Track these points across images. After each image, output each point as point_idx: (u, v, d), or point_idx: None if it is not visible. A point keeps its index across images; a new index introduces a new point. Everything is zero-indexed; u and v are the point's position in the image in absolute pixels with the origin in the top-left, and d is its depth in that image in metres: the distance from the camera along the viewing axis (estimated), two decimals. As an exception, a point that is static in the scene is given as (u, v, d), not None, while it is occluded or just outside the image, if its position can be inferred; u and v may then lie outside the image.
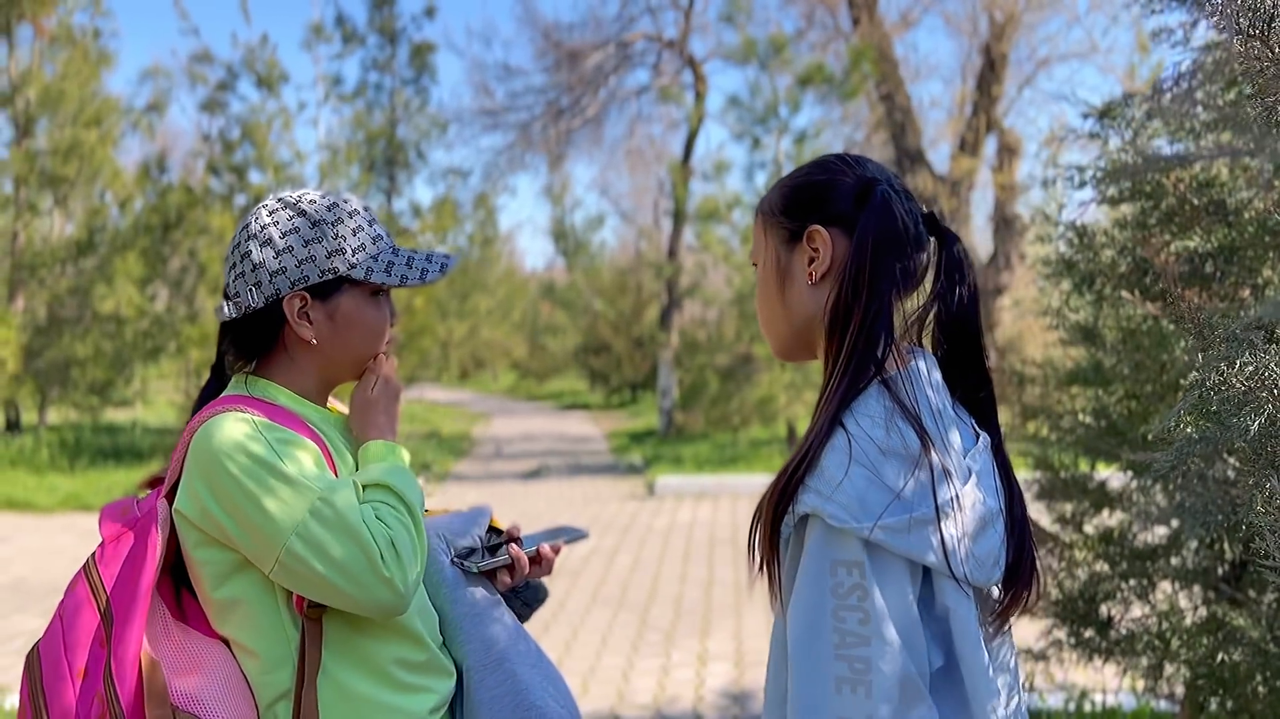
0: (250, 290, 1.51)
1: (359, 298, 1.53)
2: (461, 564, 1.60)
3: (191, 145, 17.36)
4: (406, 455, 1.54)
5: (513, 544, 1.63)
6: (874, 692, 1.14)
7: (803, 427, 13.19)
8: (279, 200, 1.54)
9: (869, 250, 1.28)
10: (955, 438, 1.25)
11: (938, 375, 1.31)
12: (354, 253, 1.51)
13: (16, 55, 14.59)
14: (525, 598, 1.77)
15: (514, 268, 34.75)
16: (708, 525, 9.37)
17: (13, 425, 14.92)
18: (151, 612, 1.46)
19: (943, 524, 1.17)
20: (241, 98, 15.28)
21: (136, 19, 70.62)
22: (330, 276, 1.50)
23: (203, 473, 1.41)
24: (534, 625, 5.98)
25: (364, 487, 1.46)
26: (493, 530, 1.72)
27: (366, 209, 1.58)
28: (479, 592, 1.61)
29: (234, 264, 1.53)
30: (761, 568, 1.28)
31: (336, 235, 1.51)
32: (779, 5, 19.89)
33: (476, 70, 29.55)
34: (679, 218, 18.18)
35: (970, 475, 1.23)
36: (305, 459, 1.41)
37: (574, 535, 1.73)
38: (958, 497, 1.19)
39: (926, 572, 1.20)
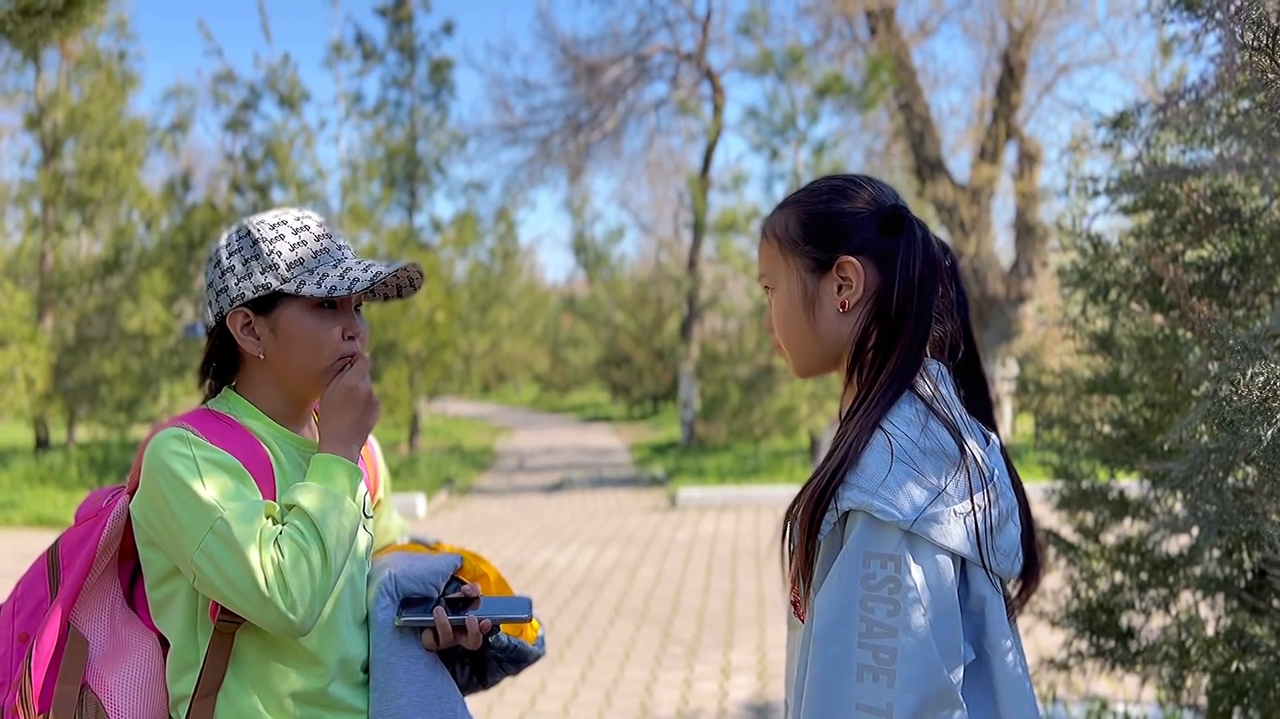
0: (207, 311, 1.61)
1: (299, 311, 1.56)
2: (395, 614, 1.60)
3: (215, 164, 17.53)
4: (350, 477, 1.54)
5: (439, 608, 1.61)
6: (897, 682, 1.15)
7: (825, 437, 13.16)
8: (239, 224, 1.63)
9: (915, 280, 1.33)
10: (979, 438, 1.33)
11: (950, 383, 1.37)
12: (288, 267, 1.56)
13: (44, 79, 14.82)
14: (500, 654, 1.72)
15: (535, 281, 34.84)
16: (730, 537, 9.37)
17: (42, 443, 15.10)
18: (104, 594, 1.55)
19: (977, 517, 1.23)
20: (264, 116, 15.39)
21: (160, 40, 71.50)
22: (264, 292, 1.55)
23: (144, 481, 1.50)
24: (557, 638, 6.01)
25: (288, 506, 1.50)
26: (457, 581, 1.70)
27: (322, 224, 1.62)
28: (404, 642, 1.60)
29: (204, 288, 1.63)
30: (797, 572, 1.31)
31: (272, 251, 1.56)
32: (796, 16, 19.91)
33: (495, 86, 29.72)
34: (698, 230, 18.21)
35: (994, 472, 1.30)
36: (224, 479, 1.47)
37: (519, 616, 1.66)
38: (988, 491, 1.26)
39: (960, 566, 1.26)
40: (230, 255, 1.58)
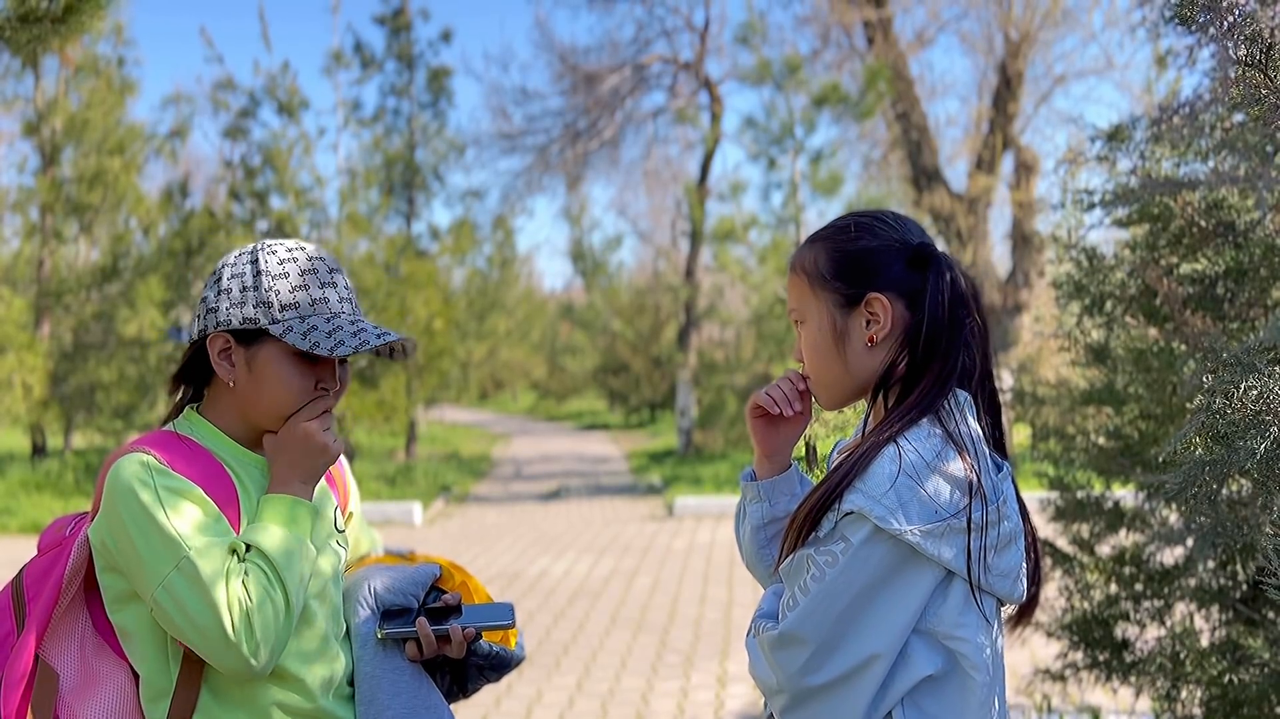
0: (196, 322, 1.59)
1: (279, 353, 1.54)
2: (378, 627, 1.60)
3: (214, 171, 17.54)
4: (308, 517, 1.53)
5: (421, 618, 1.61)
6: (782, 621, 1.34)
7: (823, 446, 13.17)
8: (253, 246, 1.60)
9: (946, 318, 1.39)
10: (988, 464, 1.38)
11: (972, 412, 1.42)
12: (281, 309, 1.53)
13: (42, 85, 14.83)
14: (482, 661, 1.72)
15: (533, 289, 34.82)
16: (727, 546, 9.36)
17: (39, 450, 15.07)
18: (72, 624, 1.53)
19: (972, 535, 1.29)
20: (263, 124, 15.39)
21: (159, 46, 71.57)
22: (250, 326, 1.53)
23: (105, 507, 1.47)
24: (553, 646, 6.00)
25: (248, 545, 1.48)
26: (437, 590, 1.70)
27: (333, 271, 1.59)
28: (387, 654, 1.60)
29: (200, 298, 1.61)
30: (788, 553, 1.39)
31: (271, 288, 1.54)
32: (794, 26, 20.00)
33: (494, 94, 29.82)
34: (696, 238, 18.24)
35: (1001, 495, 1.35)
36: (189, 510, 1.45)
37: (502, 622, 1.65)
38: (987, 513, 1.31)
39: (953, 584, 1.32)
40: (231, 278, 1.56)
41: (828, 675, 1.30)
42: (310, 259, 1.58)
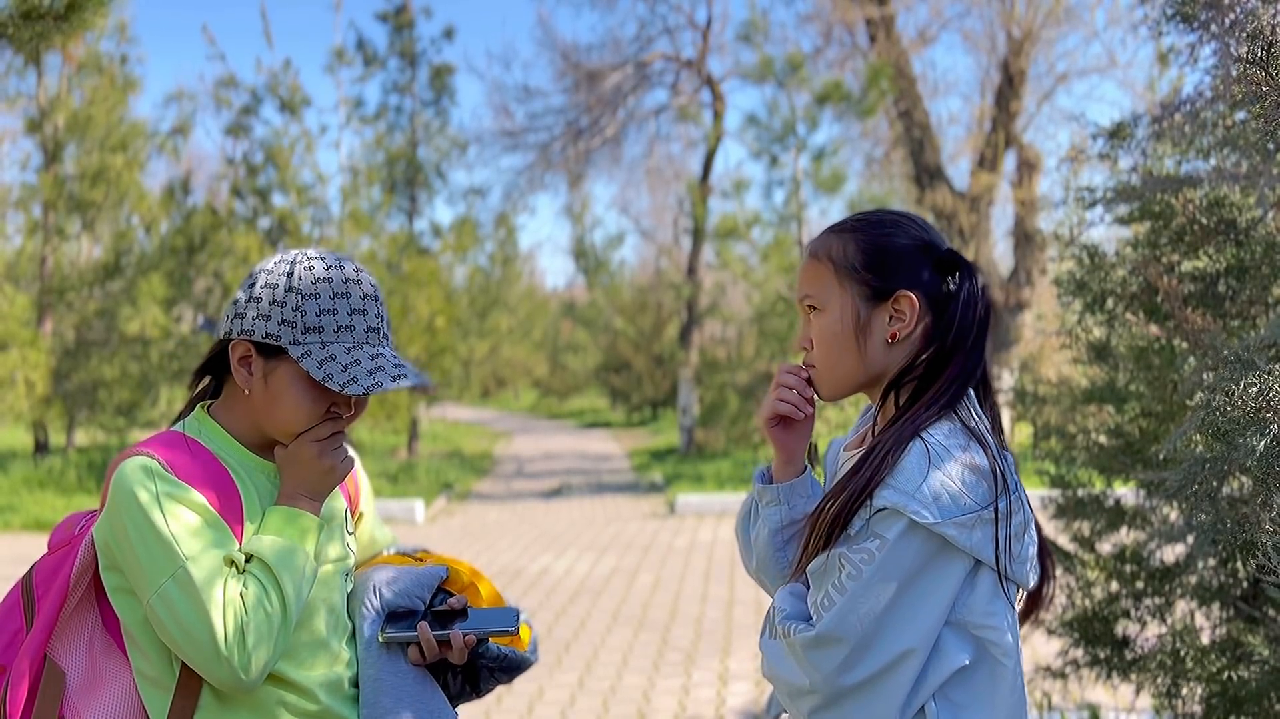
0: (225, 320, 1.58)
1: (296, 374, 1.52)
2: (380, 630, 1.60)
3: (216, 168, 17.53)
4: (313, 530, 1.53)
5: (423, 623, 1.60)
6: (818, 622, 1.33)
7: (823, 444, 13.17)
8: (294, 255, 1.57)
9: (974, 323, 1.41)
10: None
11: (977, 407, 1.44)
12: (305, 332, 1.51)
13: (45, 83, 14.84)
14: (492, 664, 1.71)
15: (535, 287, 34.85)
16: (729, 544, 9.37)
17: (41, 447, 15.09)
18: (81, 624, 1.52)
19: (999, 525, 1.32)
20: (265, 121, 15.39)
21: (161, 41, 71.56)
22: (272, 342, 1.52)
23: (109, 509, 1.47)
24: (555, 644, 6.01)
25: (249, 556, 1.48)
26: (444, 592, 1.69)
27: (367, 297, 1.56)
28: (391, 656, 1.59)
29: (234, 296, 1.60)
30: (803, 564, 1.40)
31: (299, 308, 1.52)
32: (796, 24, 19.99)
33: (496, 92, 29.82)
34: (698, 236, 18.25)
35: (1016, 485, 1.38)
36: (188, 517, 1.44)
37: (505, 629, 1.63)
38: (1011, 503, 1.34)
39: (980, 574, 1.34)
40: (264, 286, 1.53)
41: (863, 673, 1.30)
42: (346, 281, 1.55)
